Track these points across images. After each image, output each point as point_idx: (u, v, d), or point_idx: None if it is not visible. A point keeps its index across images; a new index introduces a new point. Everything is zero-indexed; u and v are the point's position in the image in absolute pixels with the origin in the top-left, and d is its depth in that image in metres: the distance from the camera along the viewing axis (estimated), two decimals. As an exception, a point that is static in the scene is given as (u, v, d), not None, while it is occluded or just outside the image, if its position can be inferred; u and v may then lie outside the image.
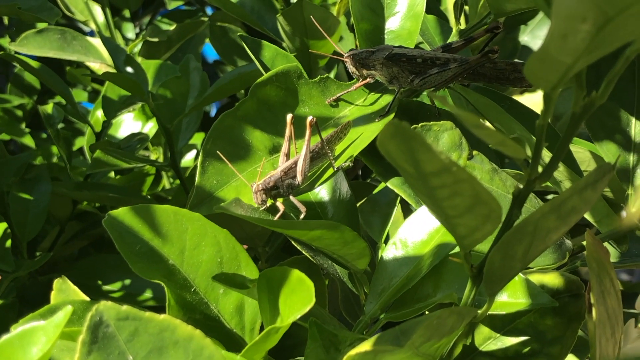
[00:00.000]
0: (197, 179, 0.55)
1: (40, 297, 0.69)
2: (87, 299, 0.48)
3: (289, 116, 0.55)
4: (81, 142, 1.16)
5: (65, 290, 0.50)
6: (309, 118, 0.55)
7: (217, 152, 0.56)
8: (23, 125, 1.25)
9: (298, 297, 0.42)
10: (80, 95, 1.33)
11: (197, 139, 1.16)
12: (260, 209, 0.55)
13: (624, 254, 0.59)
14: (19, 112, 1.26)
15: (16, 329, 0.38)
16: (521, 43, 1.05)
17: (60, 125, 1.25)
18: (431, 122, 0.54)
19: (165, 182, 1.09)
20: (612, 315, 0.44)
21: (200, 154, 0.56)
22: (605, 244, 0.54)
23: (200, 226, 0.51)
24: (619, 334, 0.45)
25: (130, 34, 1.31)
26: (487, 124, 0.81)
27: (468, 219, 0.38)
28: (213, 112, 1.40)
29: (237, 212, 0.48)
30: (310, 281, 0.42)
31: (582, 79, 0.37)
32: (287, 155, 0.56)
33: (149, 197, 1.04)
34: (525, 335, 0.52)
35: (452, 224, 0.40)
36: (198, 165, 0.55)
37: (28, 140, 1.20)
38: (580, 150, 0.64)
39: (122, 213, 0.49)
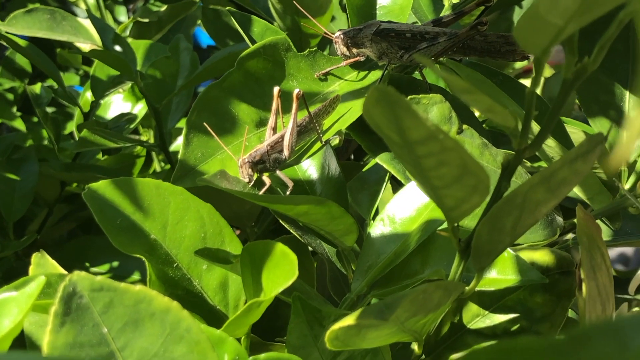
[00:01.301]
0: (180, 151, 0.54)
1: (27, 278, 0.68)
2: (65, 272, 0.47)
3: (276, 89, 0.54)
4: (72, 127, 1.15)
5: (43, 265, 0.48)
6: (296, 90, 0.54)
7: (203, 124, 0.54)
8: (14, 109, 1.24)
9: (281, 271, 0.41)
10: (71, 78, 1.32)
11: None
12: (247, 184, 0.54)
13: (616, 232, 0.58)
14: (10, 96, 1.25)
15: (-12, 300, 0.37)
16: (515, 25, 1.03)
17: (52, 110, 1.24)
18: (420, 95, 0.53)
19: (156, 165, 1.08)
20: (603, 291, 0.43)
21: (185, 125, 0.55)
22: (598, 222, 0.53)
23: (183, 200, 0.50)
24: (610, 310, 0.44)
25: (123, 17, 1.30)
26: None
27: (455, 190, 0.37)
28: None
29: (221, 185, 0.47)
30: (293, 255, 0.41)
31: (574, 44, 0.35)
32: (274, 129, 0.55)
33: (139, 179, 1.02)
34: (514, 312, 0.51)
35: (439, 195, 0.39)
36: (182, 137, 0.54)
37: (19, 124, 1.18)
38: (574, 131, 0.63)
39: (103, 186, 0.48)
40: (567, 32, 0.33)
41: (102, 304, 0.35)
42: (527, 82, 1.06)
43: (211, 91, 0.56)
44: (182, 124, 1.13)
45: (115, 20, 1.29)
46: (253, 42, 0.62)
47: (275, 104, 0.55)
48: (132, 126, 0.89)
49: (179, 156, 0.54)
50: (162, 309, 0.36)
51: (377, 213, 0.60)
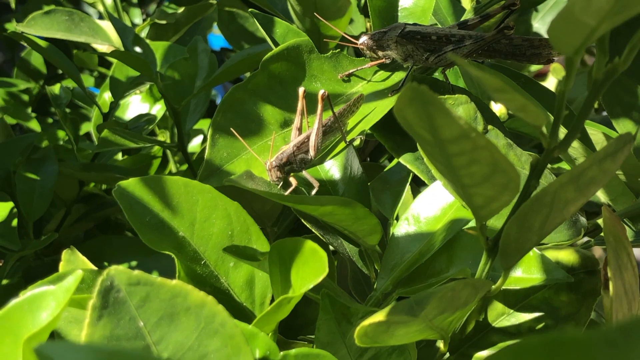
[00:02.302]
0: (207, 150, 0.54)
1: (46, 277, 0.68)
2: (95, 268, 0.48)
3: (301, 90, 0.55)
4: (88, 128, 1.16)
5: (73, 262, 0.49)
6: (321, 91, 0.54)
7: (230, 128, 0.55)
8: (29, 110, 1.25)
9: (310, 268, 0.42)
10: (87, 80, 1.33)
11: (204, 124, 1.15)
12: (275, 184, 0.55)
13: (638, 232, 0.58)
14: (25, 97, 1.26)
15: (25, 294, 0.37)
16: (533, 28, 1.04)
17: (67, 110, 1.25)
18: (445, 96, 0.53)
19: (172, 166, 1.09)
20: (629, 291, 0.44)
21: (210, 127, 0.55)
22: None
23: (211, 198, 0.50)
24: (636, 309, 0.45)
25: (138, 20, 1.31)
26: (498, 109, 0.80)
27: (485, 189, 0.38)
28: (218, 101, 1.40)
29: (248, 186, 0.48)
30: (323, 251, 0.41)
31: (605, 44, 0.36)
32: (300, 130, 0.56)
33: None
34: (539, 311, 0.52)
35: (469, 193, 0.39)
36: (208, 137, 0.55)
37: (34, 125, 1.19)
38: (594, 132, 0.63)
39: (132, 184, 0.49)
40: (600, 32, 0.33)
41: (139, 298, 0.36)
42: (546, 83, 1.06)
43: (236, 93, 0.56)
44: (199, 125, 1.14)
45: (131, 22, 1.30)
46: (275, 43, 0.63)
47: (300, 104, 0.55)
48: (151, 127, 0.90)
49: (205, 156, 0.54)
50: (198, 304, 0.37)
51: (398, 214, 0.61)
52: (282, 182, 0.55)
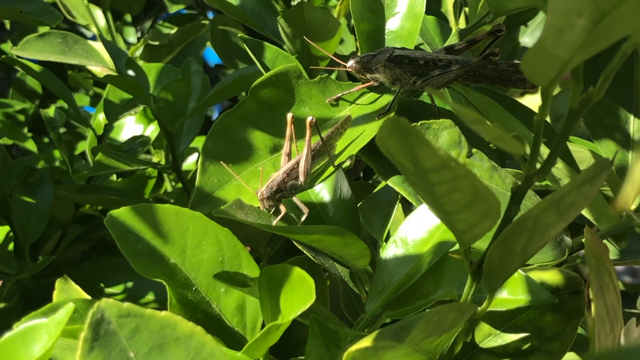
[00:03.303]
0: (197, 178, 0.55)
1: (43, 299, 0.69)
2: (89, 297, 0.49)
3: (289, 115, 0.56)
4: (83, 147, 1.17)
5: (67, 290, 0.50)
6: (309, 118, 0.55)
7: (220, 155, 0.56)
8: (25, 130, 1.26)
9: (299, 295, 0.42)
10: (82, 99, 1.34)
11: (199, 142, 1.16)
12: (265, 211, 0.55)
13: (623, 251, 0.59)
14: (21, 117, 1.27)
15: (18, 327, 0.38)
16: (521, 44, 1.05)
17: (62, 130, 1.26)
18: (430, 120, 0.54)
19: (167, 185, 1.10)
20: (611, 311, 0.45)
21: (201, 153, 0.56)
22: (605, 242, 0.55)
23: (201, 225, 0.51)
24: (618, 329, 0.45)
25: (132, 38, 1.32)
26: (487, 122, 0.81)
27: (467, 215, 0.39)
28: (215, 116, 1.41)
29: (237, 216, 0.49)
30: (310, 278, 0.42)
31: (580, 74, 0.37)
32: (289, 155, 0.57)
33: (151, 200, 1.04)
34: (525, 331, 0.52)
35: (451, 220, 0.40)
36: (199, 164, 0.56)
37: (30, 145, 1.20)
38: (580, 150, 0.64)
39: (124, 213, 0.50)
40: (573, 64, 0.34)
41: (129, 329, 0.37)
42: (532, 97, 1.07)
43: (226, 119, 0.57)
44: (194, 143, 1.15)
45: (125, 41, 1.31)
46: (265, 67, 0.64)
47: (289, 130, 0.56)
48: (145, 149, 0.91)
49: (196, 183, 0.55)
50: (187, 334, 0.37)
51: (388, 234, 0.62)
52: (272, 209, 0.55)
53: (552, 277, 0.52)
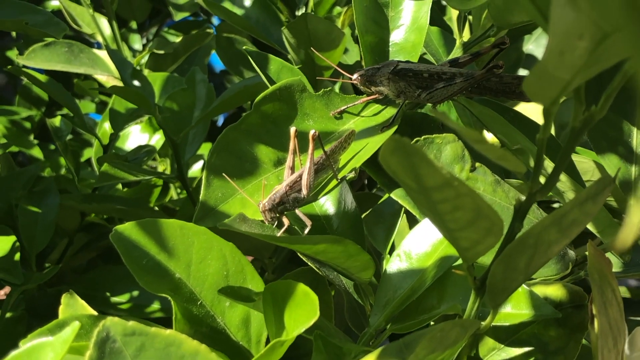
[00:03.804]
0: (202, 192, 0.55)
1: (49, 308, 0.69)
2: (95, 313, 0.49)
3: (292, 129, 0.56)
4: (89, 153, 1.17)
5: (73, 305, 0.50)
6: (312, 132, 0.55)
7: (225, 169, 0.56)
8: (31, 137, 1.26)
9: (303, 311, 0.43)
10: (87, 106, 1.34)
11: (205, 149, 1.16)
12: (268, 224, 0.56)
13: (627, 263, 0.59)
14: (27, 124, 1.27)
15: (24, 345, 0.38)
16: (525, 52, 1.05)
17: (69, 137, 1.26)
18: (434, 135, 0.54)
19: (173, 193, 1.10)
20: (614, 326, 0.45)
21: (205, 167, 0.56)
22: (608, 254, 0.55)
23: (206, 240, 0.51)
24: (621, 344, 0.45)
25: (137, 45, 1.32)
26: (491, 135, 0.81)
27: (470, 232, 0.39)
28: (220, 122, 1.41)
29: (242, 229, 0.49)
30: (314, 295, 0.42)
31: (581, 94, 0.37)
32: (292, 169, 0.57)
33: (156, 208, 1.04)
34: (529, 345, 0.53)
35: (455, 237, 0.40)
36: (203, 178, 0.56)
37: (36, 152, 1.21)
38: (584, 160, 0.64)
39: (129, 228, 0.50)
40: (574, 85, 0.34)
41: (134, 347, 0.37)
42: (528, 105, 1.07)
43: (230, 133, 0.57)
44: (200, 150, 1.15)
45: (131, 48, 1.31)
46: (269, 80, 0.64)
47: (292, 143, 0.56)
48: (150, 158, 0.91)
49: (200, 197, 0.55)
50: (191, 352, 0.38)
51: (393, 246, 0.62)
52: (275, 222, 0.56)
53: (555, 291, 0.52)
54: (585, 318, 0.52)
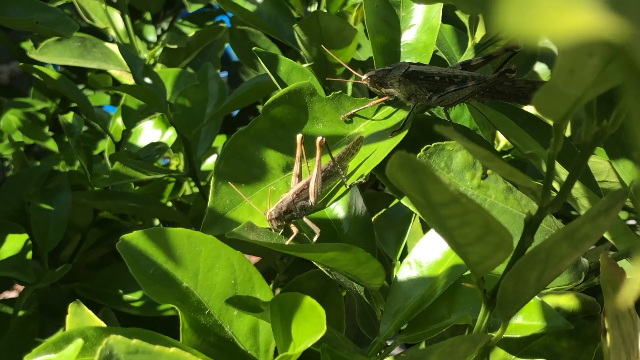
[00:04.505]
0: (210, 198, 0.55)
1: (62, 305, 0.69)
2: (102, 324, 0.49)
3: (299, 137, 0.55)
4: (104, 145, 1.17)
5: (79, 314, 0.50)
6: (319, 138, 0.54)
7: (233, 176, 0.56)
8: (46, 129, 1.26)
9: (310, 324, 0.42)
10: (102, 98, 1.34)
11: (219, 141, 1.16)
12: (278, 233, 0.55)
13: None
14: (42, 116, 1.27)
15: (29, 361, 0.38)
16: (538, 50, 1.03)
17: (85, 128, 1.26)
18: (444, 142, 0.54)
19: (186, 188, 1.10)
20: (627, 340, 0.44)
21: (213, 174, 0.56)
22: (623, 261, 0.54)
23: (213, 248, 0.51)
24: (635, 357, 0.45)
25: (152, 37, 1.32)
26: (503, 139, 0.80)
27: (479, 248, 0.38)
28: (235, 112, 1.40)
29: (250, 238, 0.48)
30: (321, 309, 0.42)
31: (593, 109, 0.36)
32: (299, 176, 0.56)
33: (169, 203, 1.04)
34: (541, 357, 0.52)
35: (464, 251, 0.39)
36: (211, 185, 0.55)
37: (51, 144, 1.21)
38: (599, 161, 0.63)
39: (136, 237, 0.50)
40: (585, 101, 0.33)
41: (138, 366, 0.37)
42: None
43: (239, 139, 0.57)
44: (214, 143, 1.14)
45: (145, 40, 1.31)
46: (279, 81, 0.63)
47: (299, 150, 0.55)
48: (162, 155, 0.91)
49: (208, 204, 0.55)
50: (195, 370, 0.37)
51: (404, 251, 0.61)
52: (282, 229, 0.55)
53: (567, 301, 0.51)
54: (598, 329, 0.51)
